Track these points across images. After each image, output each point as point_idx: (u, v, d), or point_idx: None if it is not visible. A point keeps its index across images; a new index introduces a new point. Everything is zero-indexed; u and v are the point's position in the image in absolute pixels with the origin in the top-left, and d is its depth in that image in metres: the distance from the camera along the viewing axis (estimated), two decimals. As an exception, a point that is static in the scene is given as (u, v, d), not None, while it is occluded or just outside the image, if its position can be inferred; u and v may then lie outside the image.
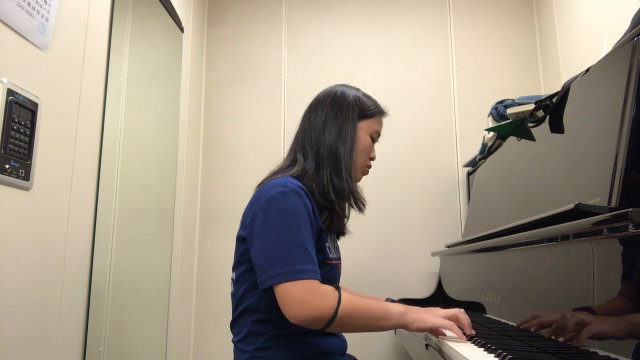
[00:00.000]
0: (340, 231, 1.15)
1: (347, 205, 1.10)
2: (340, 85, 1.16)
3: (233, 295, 1.05)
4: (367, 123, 1.12)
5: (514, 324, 1.08)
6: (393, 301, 1.24)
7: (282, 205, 0.94)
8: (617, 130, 0.87)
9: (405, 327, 0.96)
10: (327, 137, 1.07)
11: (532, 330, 0.98)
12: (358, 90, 1.16)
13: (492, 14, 2.53)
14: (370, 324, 0.95)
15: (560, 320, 0.87)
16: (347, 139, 1.08)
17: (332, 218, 1.06)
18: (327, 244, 1.04)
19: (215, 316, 2.35)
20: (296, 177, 1.04)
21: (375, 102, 1.16)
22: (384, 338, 2.27)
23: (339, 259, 1.13)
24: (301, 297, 0.88)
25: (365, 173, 1.16)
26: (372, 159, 1.16)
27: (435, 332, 1.01)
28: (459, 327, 0.98)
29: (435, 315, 0.98)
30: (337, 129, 1.08)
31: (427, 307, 1.14)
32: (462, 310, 1.00)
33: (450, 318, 0.98)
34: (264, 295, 0.96)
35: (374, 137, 1.15)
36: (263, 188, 1.01)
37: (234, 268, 1.06)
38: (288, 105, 2.51)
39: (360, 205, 1.10)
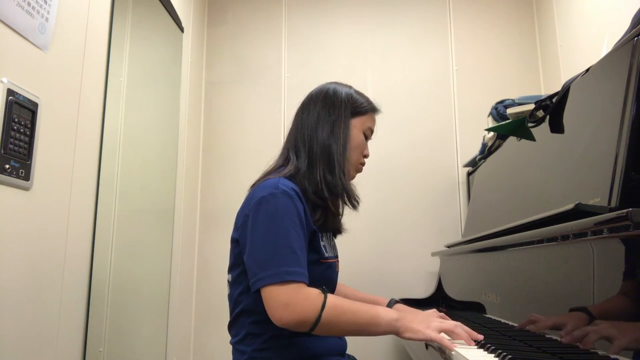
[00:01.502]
0: (336, 229, 1.15)
1: (340, 202, 1.10)
2: (332, 83, 1.16)
3: (230, 297, 1.05)
4: (359, 120, 1.12)
5: (514, 324, 1.08)
6: (397, 302, 1.24)
7: (271, 207, 0.94)
8: (617, 130, 0.87)
9: (397, 334, 0.94)
10: (320, 134, 1.07)
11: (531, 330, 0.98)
12: (350, 87, 1.16)
13: (492, 14, 2.53)
14: (358, 329, 0.94)
15: (562, 323, 0.87)
16: (340, 137, 1.07)
17: (326, 216, 1.06)
18: (322, 243, 1.04)
19: (215, 316, 2.35)
20: (289, 176, 1.03)
21: (367, 99, 1.15)
22: (384, 338, 2.27)
23: (336, 257, 1.13)
24: (284, 300, 0.88)
25: (359, 170, 1.16)
26: (366, 156, 1.15)
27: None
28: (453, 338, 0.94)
29: (429, 327, 0.93)
30: (330, 127, 1.08)
31: (427, 307, 1.13)
32: (458, 324, 0.95)
33: (444, 331, 0.94)
34: (260, 297, 0.96)
35: (367, 134, 1.14)
36: (255, 189, 1.01)
37: (230, 270, 1.05)
38: (288, 105, 2.51)
39: (353, 202, 1.09)
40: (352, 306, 0.94)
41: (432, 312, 1.11)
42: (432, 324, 0.94)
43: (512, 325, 1.09)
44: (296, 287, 0.90)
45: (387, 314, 0.95)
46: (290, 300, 0.88)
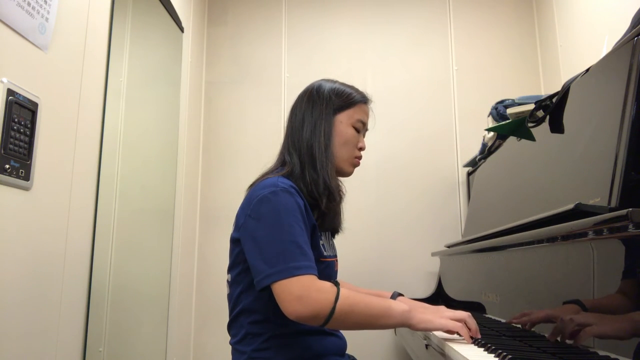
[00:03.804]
0: (335, 229, 1.15)
1: (325, 200, 1.05)
2: (319, 80, 1.16)
3: (229, 296, 1.05)
4: (346, 114, 1.10)
5: (515, 324, 1.08)
6: (400, 295, 1.24)
7: (273, 205, 0.94)
8: (617, 130, 0.87)
9: (410, 326, 0.94)
10: (304, 135, 1.07)
11: (525, 327, 0.99)
12: (335, 82, 1.14)
13: (492, 14, 2.53)
14: (371, 321, 0.93)
15: (559, 321, 0.87)
16: (322, 135, 1.06)
17: (322, 216, 1.05)
18: (321, 242, 1.04)
19: (215, 316, 2.35)
20: (286, 177, 1.03)
21: (355, 90, 1.13)
22: (384, 338, 2.27)
23: (335, 256, 1.13)
24: (298, 293, 0.87)
25: (356, 165, 1.14)
26: (361, 149, 1.13)
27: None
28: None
29: (442, 316, 0.95)
30: (312, 126, 1.07)
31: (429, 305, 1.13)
32: (469, 314, 0.97)
33: (458, 320, 0.95)
34: (261, 296, 0.96)
35: (358, 127, 1.11)
36: (254, 189, 1.00)
37: (229, 270, 1.05)
38: (288, 105, 2.48)
39: (336, 198, 1.07)
40: (364, 298, 0.93)
41: (441, 307, 1.11)
42: (444, 313, 0.96)
43: (513, 325, 1.09)
44: (308, 280, 0.89)
45: (399, 306, 0.94)
46: (303, 293, 0.87)
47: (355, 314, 0.91)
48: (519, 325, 1.05)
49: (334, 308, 0.88)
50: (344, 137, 1.09)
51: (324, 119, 1.08)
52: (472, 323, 0.95)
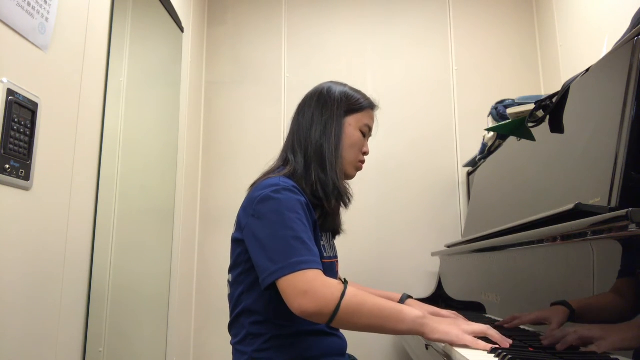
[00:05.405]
0: (335, 230, 1.15)
1: (334, 201, 1.06)
2: (327, 82, 1.16)
3: (230, 297, 1.05)
4: (355, 118, 1.11)
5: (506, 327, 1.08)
6: (410, 297, 1.23)
7: (275, 203, 0.94)
8: (617, 130, 0.87)
9: (423, 334, 0.89)
10: (314, 135, 1.07)
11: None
12: (345, 85, 1.15)
13: (492, 14, 2.53)
14: (379, 323, 0.89)
15: (563, 332, 0.87)
16: (332, 135, 1.07)
17: (324, 217, 1.05)
18: (321, 243, 1.04)
19: (215, 316, 2.35)
20: (288, 177, 1.03)
21: (363, 96, 1.14)
22: (384, 338, 2.27)
23: (336, 257, 1.13)
24: (302, 288, 0.86)
25: (359, 168, 1.15)
26: (365, 153, 1.14)
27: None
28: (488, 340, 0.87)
29: (460, 329, 0.88)
30: (322, 126, 1.07)
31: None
32: (489, 326, 0.90)
33: (477, 335, 0.88)
34: (262, 296, 0.96)
35: (364, 131, 1.13)
36: (256, 189, 1.00)
37: (230, 270, 1.05)
38: (288, 105, 2.51)
39: (345, 200, 1.08)
40: (373, 298, 0.90)
41: (458, 318, 1.07)
42: (462, 326, 0.89)
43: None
44: (313, 274, 0.87)
45: (412, 311, 0.90)
46: (308, 288, 0.86)
47: (362, 314, 0.88)
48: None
49: (339, 305, 0.85)
50: (351, 140, 1.10)
51: (335, 120, 1.08)
52: (495, 334, 0.87)
